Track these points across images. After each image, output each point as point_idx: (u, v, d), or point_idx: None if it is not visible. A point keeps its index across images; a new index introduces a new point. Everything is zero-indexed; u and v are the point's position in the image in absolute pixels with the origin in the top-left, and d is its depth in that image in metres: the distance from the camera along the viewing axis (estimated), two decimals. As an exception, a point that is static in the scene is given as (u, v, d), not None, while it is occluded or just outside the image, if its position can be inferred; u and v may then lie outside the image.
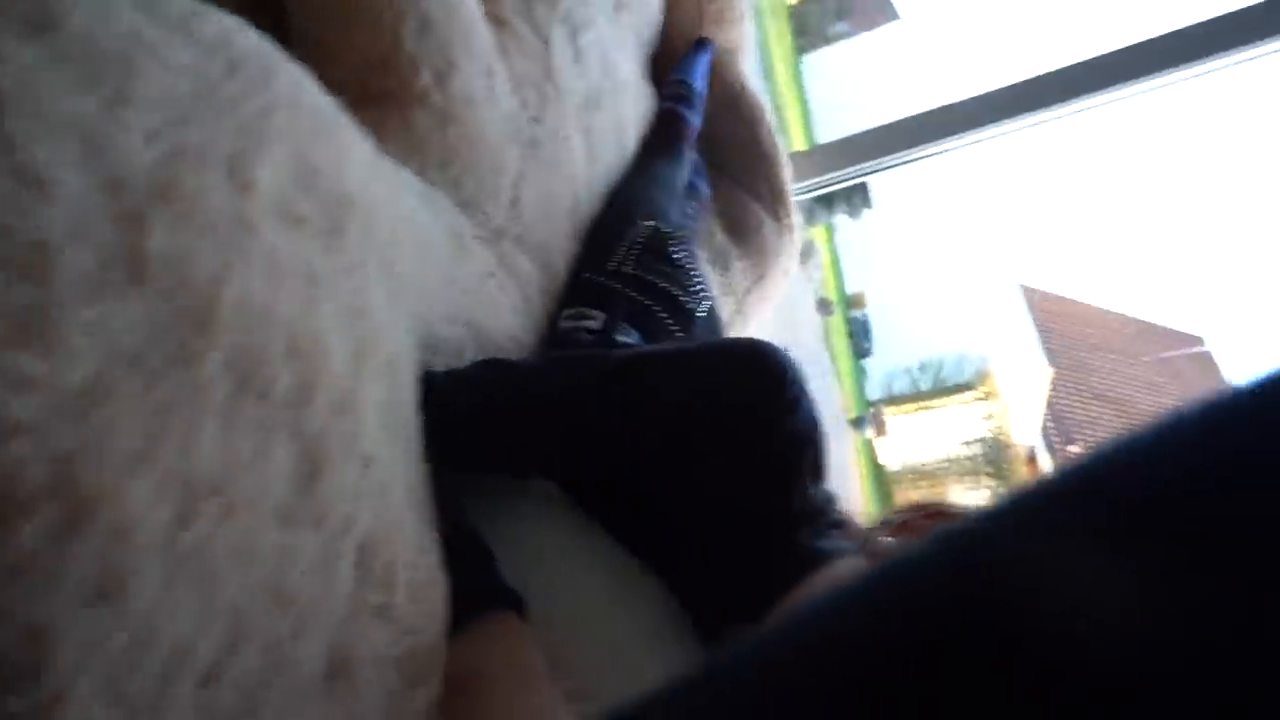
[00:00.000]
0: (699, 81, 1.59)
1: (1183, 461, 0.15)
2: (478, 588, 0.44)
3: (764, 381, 0.54)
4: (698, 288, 1.12)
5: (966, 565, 0.15)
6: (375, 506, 0.32)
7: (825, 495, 0.61)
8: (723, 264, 1.84)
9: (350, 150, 0.41)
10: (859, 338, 14.25)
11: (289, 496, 0.26)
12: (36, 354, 0.20)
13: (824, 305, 8.53)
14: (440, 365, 0.65)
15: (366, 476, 0.31)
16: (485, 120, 0.84)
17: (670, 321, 1.03)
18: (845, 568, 0.52)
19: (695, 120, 1.52)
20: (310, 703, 0.26)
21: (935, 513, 0.48)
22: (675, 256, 1.13)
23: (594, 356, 0.61)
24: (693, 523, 0.56)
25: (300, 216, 0.33)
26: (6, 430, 0.19)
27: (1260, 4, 1.56)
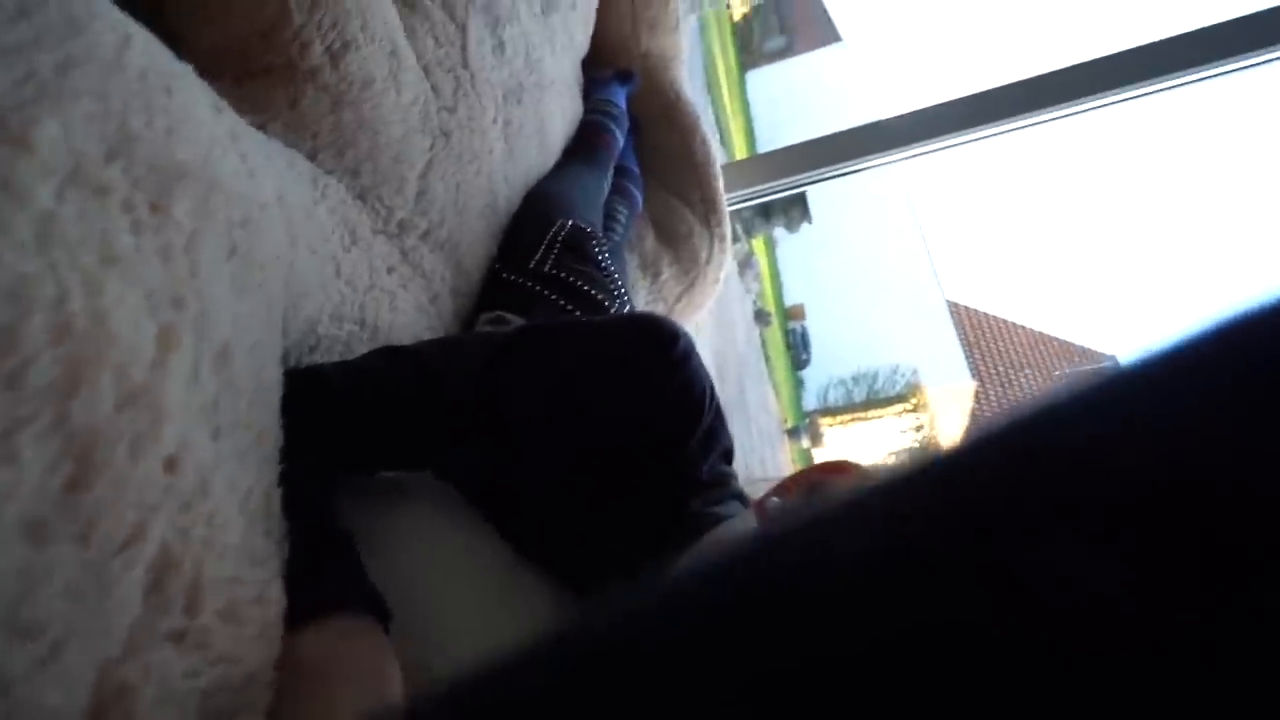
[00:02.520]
0: (623, 104, 1.62)
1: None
2: (331, 587, 0.41)
3: (650, 343, 0.54)
4: (620, 292, 1.11)
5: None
6: (181, 515, 0.28)
7: (723, 470, 0.61)
8: (654, 270, 1.84)
9: (189, 120, 0.37)
10: (797, 349, 14.59)
11: (41, 504, 0.22)
12: None
13: (762, 316, 8.69)
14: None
15: (169, 480, 0.27)
16: (388, 106, 0.80)
17: None
18: (738, 525, 0.52)
19: (620, 136, 1.53)
20: (57, 750, 0.21)
21: (828, 468, 0.47)
22: (598, 257, 1.11)
23: (487, 334, 0.58)
24: (583, 501, 0.55)
25: (101, 185, 0.29)
26: None
27: (1199, 30, 1.66)
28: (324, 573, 0.41)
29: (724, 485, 0.60)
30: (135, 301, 0.28)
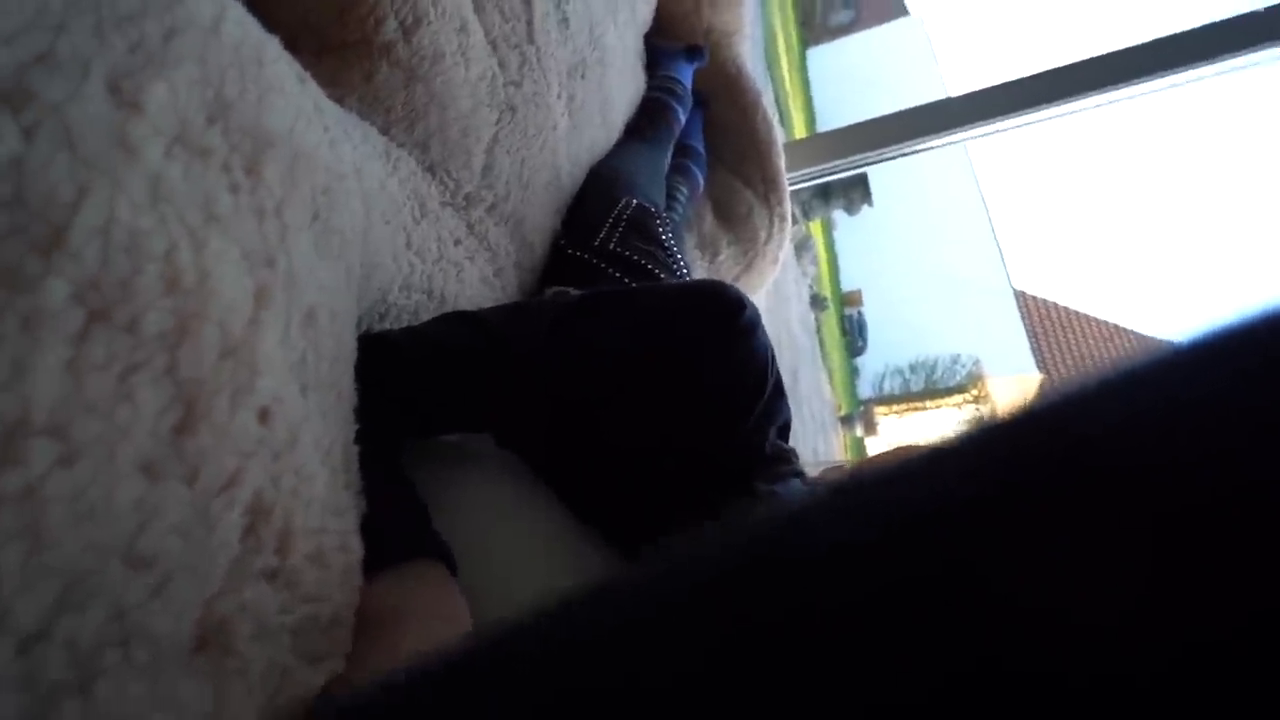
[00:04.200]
0: (689, 81, 1.60)
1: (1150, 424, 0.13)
2: (405, 536, 0.43)
3: (716, 310, 0.53)
4: (680, 269, 1.10)
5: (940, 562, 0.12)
6: (273, 463, 0.29)
7: (784, 447, 0.60)
8: (712, 250, 1.82)
9: (277, 90, 0.38)
10: (853, 336, 14.25)
11: (154, 445, 0.24)
12: None
13: (818, 301, 8.51)
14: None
15: (263, 430, 0.29)
16: (457, 80, 0.81)
17: None
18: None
19: (683, 115, 1.51)
20: (166, 674, 0.23)
21: (899, 455, 0.46)
22: (661, 236, 1.11)
23: (555, 300, 0.59)
24: (643, 471, 0.55)
25: (204, 148, 0.30)
26: None
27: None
28: (396, 524, 0.43)
29: (786, 462, 0.59)
30: (234, 259, 0.29)
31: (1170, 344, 0.14)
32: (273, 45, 0.46)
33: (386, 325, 0.66)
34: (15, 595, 0.19)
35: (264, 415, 0.29)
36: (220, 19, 0.38)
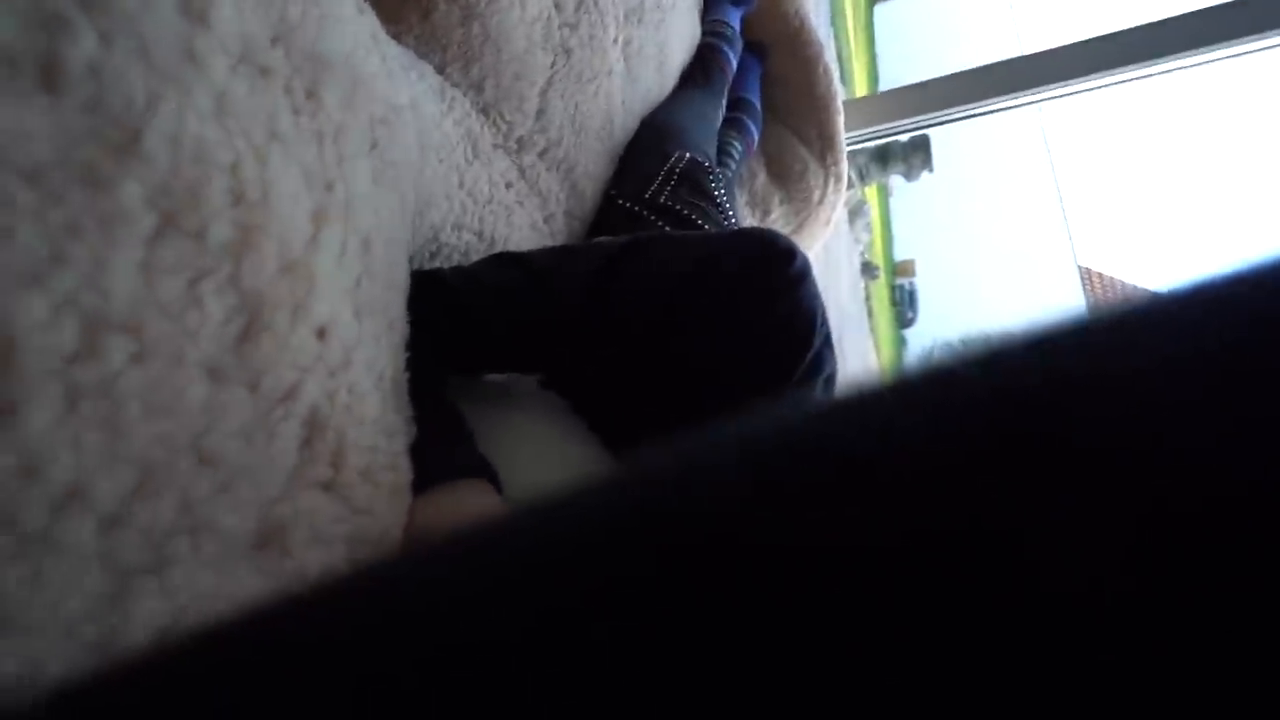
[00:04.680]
0: (737, 24, 1.54)
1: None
2: (453, 458, 0.44)
3: (766, 257, 0.52)
4: (732, 225, 1.08)
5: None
6: (329, 380, 0.30)
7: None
8: (763, 208, 1.78)
9: (337, 16, 0.38)
10: (903, 306, 13.89)
11: (220, 351, 0.24)
12: (-82, 148, 0.18)
13: (869, 269, 8.29)
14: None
15: (319, 347, 0.30)
16: (512, 20, 0.80)
17: None
18: None
19: (734, 58, 1.46)
20: (230, 567, 0.24)
21: None
22: (713, 191, 1.09)
23: (601, 242, 0.59)
24: (687, 416, 0.55)
25: (267, 67, 0.31)
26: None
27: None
28: (445, 447, 0.44)
29: None
30: (295, 178, 0.30)
31: (1155, 295, 0.13)
32: (334, -28, 0.46)
33: (437, 263, 0.66)
34: (96, 477, 0.20)
35: (321, 333, 0.30)
36: (284, -60, 0.38)
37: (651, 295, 0.53)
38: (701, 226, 1.02)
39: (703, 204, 1.06)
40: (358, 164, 0.38)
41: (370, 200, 0.39)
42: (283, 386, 0.27)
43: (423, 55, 0.73)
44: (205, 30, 0.28)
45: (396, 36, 0.72)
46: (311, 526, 0.28)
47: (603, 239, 0.97)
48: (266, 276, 0.26)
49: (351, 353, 0.32)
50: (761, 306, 0.52)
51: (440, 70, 0.76)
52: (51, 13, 0.22)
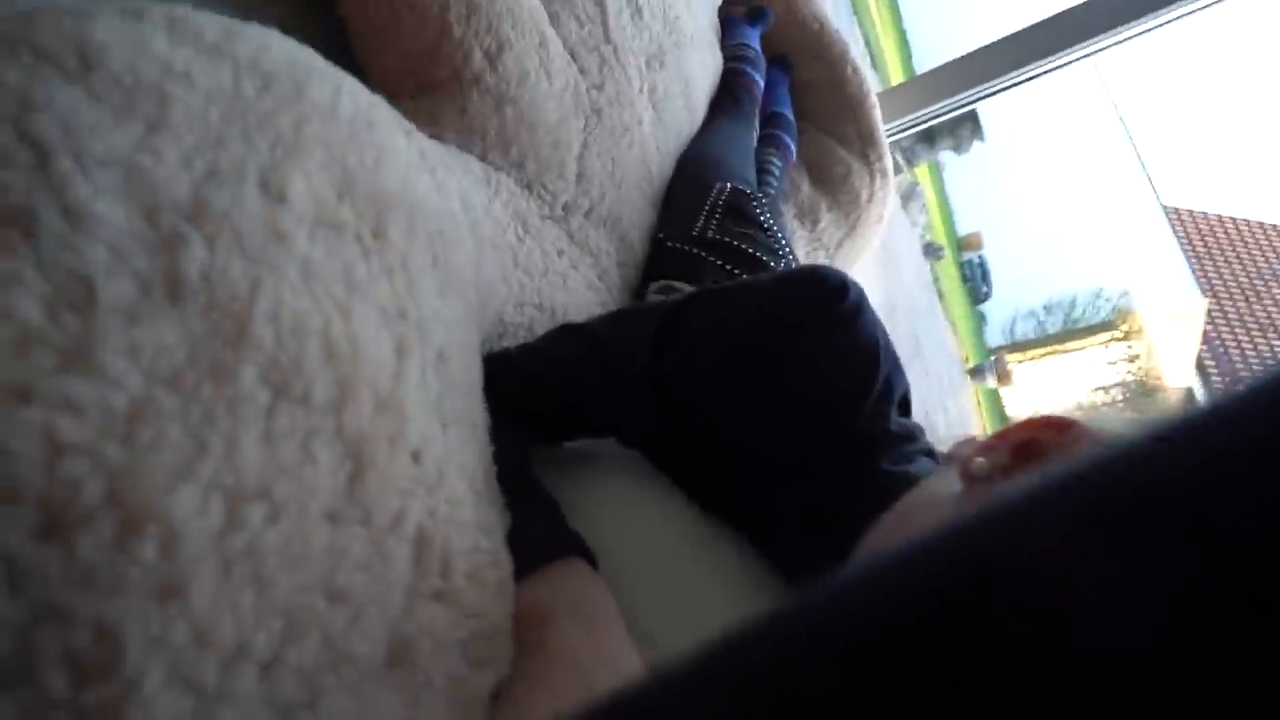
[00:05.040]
0: (757, 44, 1.55)
1: (1184, 459, 0.14)
2: (547, 538, 0.46)
3: (819, 296, 0.53)
4: (783, 249, 1.09)
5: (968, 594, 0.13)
6: (428, 497, 0.33)
7: (909, 425, 0.59)
8: (812, 218, 1.77)
9: (389, 150, 0.42)
10: (975, 281, 13.29)
11: (335, 496, 0.27)
12: (84, 379, 0.22)
13: (932, 250, 7.99)
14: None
15: (416, 470, 0.32)
16: (542, 95, 0.84)
17: None
18: (936, 486, 0.50)
19: (759, 78, 1.47)
20: (371, 689, 0.27)
21: (1041, 425, 0.44)
22: (759, 217, 1.10)
23: (654, 304, 0.60)
24: (765, 462, 0.56)
25: (338, 222, 0.34)
26: (61, 450, 0.21)
27: None
28: (537, 530, 0.46)
29: (911, 440, 0.58)
30: (375, 319, 0.33)
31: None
32: (379, 105, 0.51)
33: (505, 343, 0.70)
34: (253, 631, 0.23)
35: (416, 456, 0.33)
36: (336, 96, 0.42)
37: (709, 350, 0.54)
38: (753, 254, 1.03)
39: (750, 231, 1.07)
40: (423, 283, 0.41)
41: (439, 314, 0.42)
42: (391, 514, 0.30)
43: (464, 149, 0.78)
44: (285, 207, 0.32)
45: (438, 136, 0.77)
46: (432, 637, 0.31)
47: (654, 300, 0.99)
48: (365, 419, 0.29)
49: (444, 465, 0.35)
50: (822, 346, 0.52)
51: (482, 158, 0.80)
52: (170, 232, 0.26)
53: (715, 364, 0.54)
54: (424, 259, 0.43)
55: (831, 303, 0.52)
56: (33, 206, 0.24)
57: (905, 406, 0.62)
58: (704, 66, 1.38)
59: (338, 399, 0.28)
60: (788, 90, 1.70)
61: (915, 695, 0.13)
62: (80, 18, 0.31)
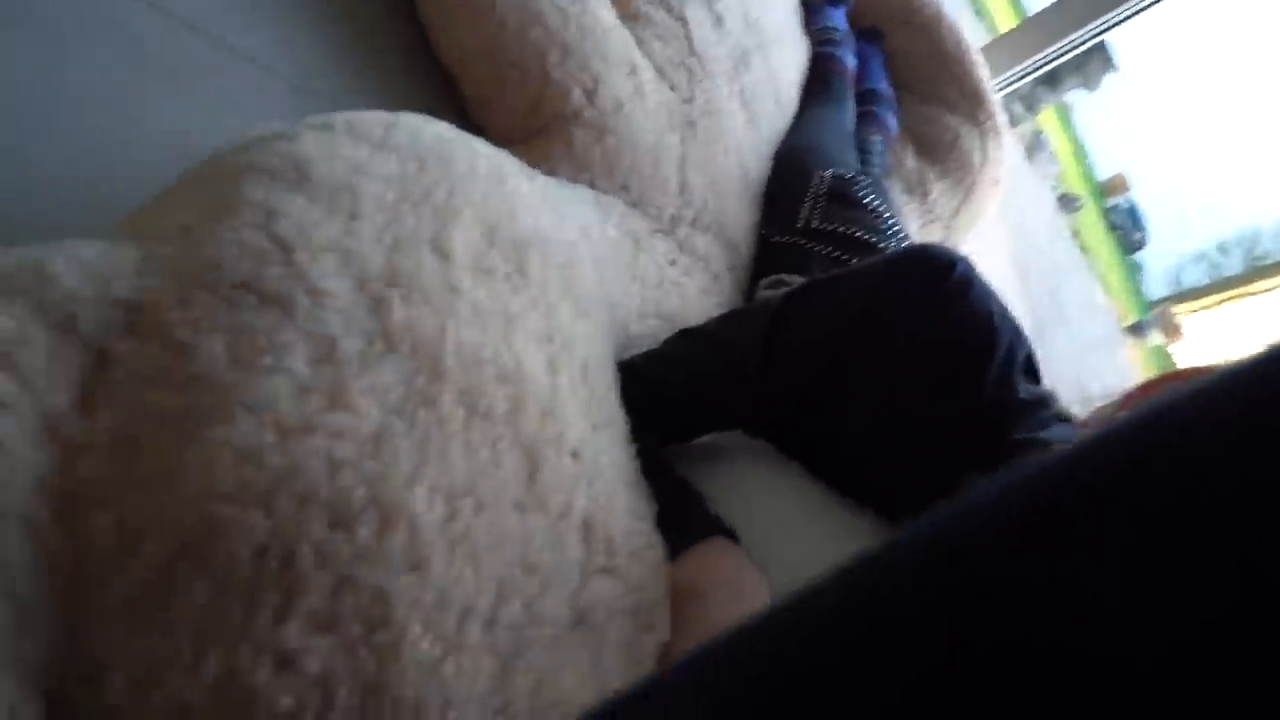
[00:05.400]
0: (843, 24, 1.52)
1: (1169, 447, 0.15)
2: (692, 523, 0.51)
3: (927, 274, 0.53)
4: (891, 228, 1.08)
5: (954, 587, 0.16)
6: (589, 489, 0.39)
7: (1039, 391, 0.58)
8: (921, 190, 1.72)
9: (518, 196, 0.49)
10: (1126, 229, 11.93)
11: (520, 491, 0.34)
12: (343, 413, 0.29)
13: (1067, 201, 7.30)
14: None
15: (577, 467, 0.39)
16: (638, 119, 0.90)
17: None
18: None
19: (849, 58, 1.45)
20: (562, 644, 0.33)
21: (1180, 375, 0.43)
22: (863, 199, 1.10)
23: (764, 301, 0.64)
24: (891, 439, 0.57)
25: (490, 268, 0.41)
26: (338, 465, 0.28)
27: None
28: (682, 514, 0.51)
29: (1044, 406, 0.57)
30: (530, 344, 0.40)
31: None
32: (506, 159, 0.58)
33: (631, 353, 0.76)
34: (474, 596, 0.30)
35: (575, 455, 0.39)
36: (474, 159, 0.50)
37: (822, 341, 0.57)
38: (861, 238, 1.03)
39: (857, 214, 1.07)
40: (561, 309, 0.48)
41: (578, 332, 0.48)
42: (561, 503, 0.36)
43: (575, 180, 0.85)
44: (452, 263, 0.39)
45: (552, 172, 0.85)
46: (605, 606, 0.36)
47: (767, 288, 1.02)
48: (534, 426, 0.36)
49: (599, 460, 0.41)
50: (935, 323, 0.53)
51: (591, 185, 0.87)
52: (377, 295, 0.34)
53: (832, 352, 0.56)
54: (559, 287, 0.50)
55: (940, 279, 0.53)
56: (288, 290, 0.32)
57: (1034, 373, 0.61)
58: (790, 60, 1.39)
59: (512, 411, 0.35)
60: (881, 64, 1.66)
61: (905, 673, 0.15)
62: (290, 139, 0.40)
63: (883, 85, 1.63)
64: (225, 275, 0.32)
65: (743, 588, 0.45)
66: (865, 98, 1.55)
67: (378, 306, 0.33)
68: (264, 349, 0.30)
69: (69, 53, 0.61)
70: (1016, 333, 0.57)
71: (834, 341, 0.56)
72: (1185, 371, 0.44)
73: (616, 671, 0.36)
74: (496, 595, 0.31)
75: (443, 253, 0.38)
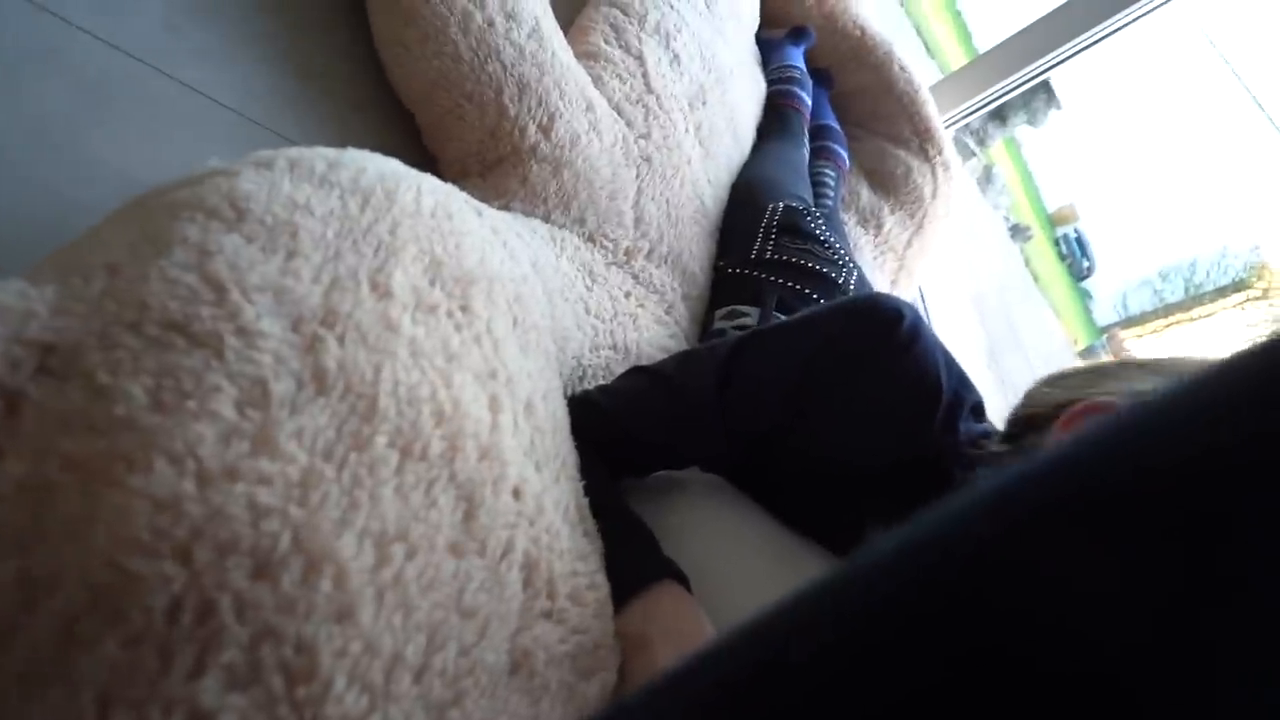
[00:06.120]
0: (801, 63, 1.58)
1: (1165, 453, 0.15)
2: (641, 564, 0.50)
3: (873, 327, 0.55)
4: (842, 259, 1.10)
5: (955, 591, 0.16)
6: (530, 529, 0.39)
7: (981, 430, 0.59)
8: (875, 222, 1.77)
9: (466, 233, 0.49)
10: (1074, 257, 12.43)
11: (455, 532, 0.33)
12: (269, 459, 0.29)
13: (1019, 231, 7.58)
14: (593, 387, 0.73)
15: (518, 505, 0.38)
16: (594, 153, 0.91)
17: (822, 299, 1.03)
18: None
19: (806, 97, 1.50)
20: (500, 692, 0.32)
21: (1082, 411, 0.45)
22: (814, 231, 1.12)
23: (716, 344, 0.64)
24: (840, 480, 0.58)
25: (433, 304, 0.41)
26: (262, 513, 0.28)
27: None
28: (631, 556, 0.51)
29: (987, 440, 0.59)
30: (470, 382, 0.40)
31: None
32: (454, 194, 0.59)
33: (586, 384, 0.76)
34: (404, 644, 0.30)
35: (516, 493, 0.38)
36: (419, 196, 0.50)
37: (770, 386, 0.57)
38: (813, 269, 1.05)
39: (808, 245, 1.09)
40: (508, 345, 0.48)
41: (523, 369, 0.48)
42: (501, 544, 0.36)
43: (529, 214, 0.86)
44: (391, 300, 0.39)
45: (506, 206, 0.85)
46: (545, 649, 0.36)
47: (720, 326, 1.03)
48: (471, 466, 0.36)
49: (541, 499, 0.41)
50: (880, 375, 0.54)
51: (546, 219, 0.88)
52: (311, 335, 0.33)
53: (782, 400, 0.57)
54: (505, 323, 0.50)
55: (886, 332, 0.54)
56: (218, 331, 0.31)
57: (979, 413, 0.63)
58: (747, 94, 1.43)
59: (449, 451, 0.35)
60: (828, 100, 1.72)
61: (910, 682, 0.15)
62: (230, 175, 0.39)
63: (831, 120, 1.68)
64: (153, 315, 0.31)
65: (687, 641, 0.45)
66: (817, 133, 1.60)
67: (310, 347, 0.33)
68: (189, 393, 0.29)
69: (14, 86, 0.59)
70: (961, 380, 0.59)
71: (785, 390, 0.57)
72: (1091, 406, 0.47)
73: (557, 717, 0.35)
74: (430, 642, 0.30)
75: (382, 290, 0.38)
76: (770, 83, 1.56)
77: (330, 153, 0.46)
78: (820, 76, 1.70)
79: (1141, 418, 0.17)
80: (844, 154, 1.60)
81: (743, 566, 0.62)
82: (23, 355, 0.28)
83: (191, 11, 0.74)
